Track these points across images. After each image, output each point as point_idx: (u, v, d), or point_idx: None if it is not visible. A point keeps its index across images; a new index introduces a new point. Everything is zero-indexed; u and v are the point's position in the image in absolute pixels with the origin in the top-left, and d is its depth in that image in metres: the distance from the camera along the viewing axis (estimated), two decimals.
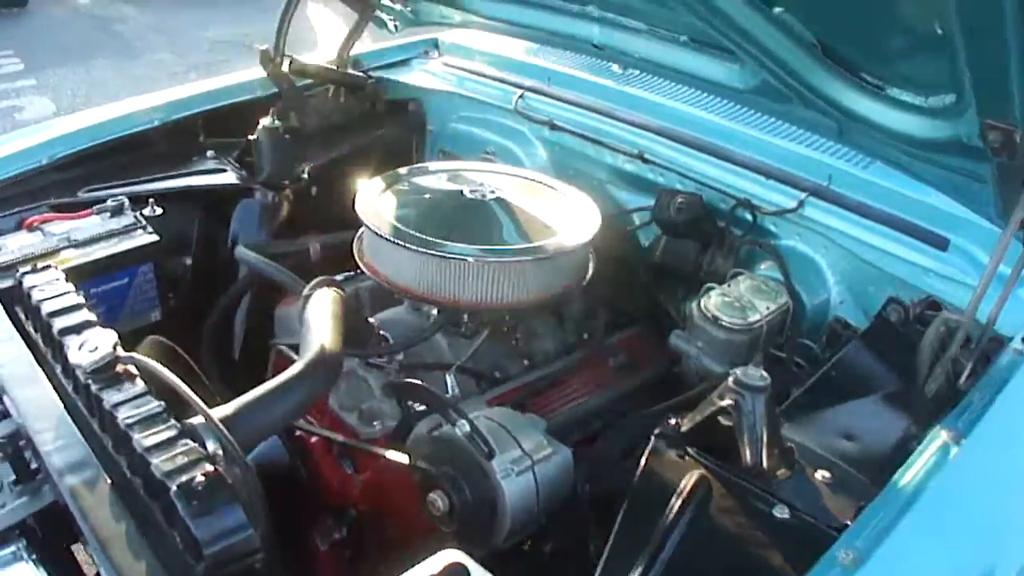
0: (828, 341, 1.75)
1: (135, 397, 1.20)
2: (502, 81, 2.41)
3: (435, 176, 1.90)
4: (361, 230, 1.80)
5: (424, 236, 1.59)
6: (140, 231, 1.89)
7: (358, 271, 1.83)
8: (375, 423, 1.59)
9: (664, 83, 2.16)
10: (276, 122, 2.19)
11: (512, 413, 1.40)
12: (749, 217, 1.87)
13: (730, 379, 1.24)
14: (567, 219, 1.74)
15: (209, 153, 2.27)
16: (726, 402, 1.24)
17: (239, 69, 2.48)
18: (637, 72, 2.19)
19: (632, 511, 1.20)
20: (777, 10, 1.29)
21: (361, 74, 2.54)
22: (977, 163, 1.29)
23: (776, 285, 1.76)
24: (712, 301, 1.67)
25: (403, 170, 1.93)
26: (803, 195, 1.80)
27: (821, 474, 1.27)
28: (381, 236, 1.62)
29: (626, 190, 2.12)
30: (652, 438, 1.30)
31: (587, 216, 1.75)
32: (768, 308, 1.69)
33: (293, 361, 1.72)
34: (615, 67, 2.26)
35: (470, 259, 1.57)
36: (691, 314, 1.69)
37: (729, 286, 1.74)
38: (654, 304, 1.93)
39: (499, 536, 1.31)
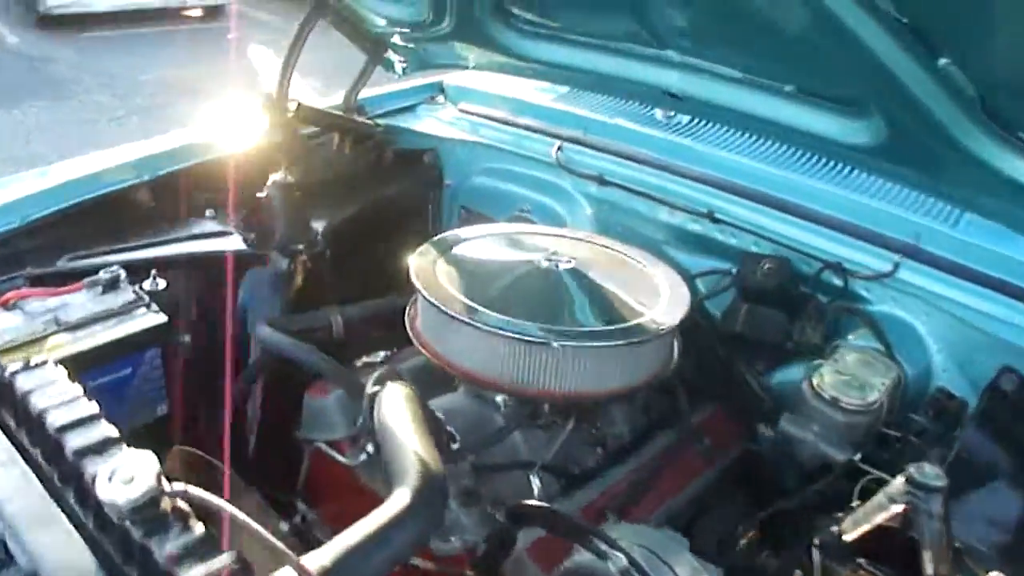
0: (935, 414, 1.59)
1: (196, 547, 0.94)
2: (532, 129, 2.19)
3: (491, 241, 1.68)
4: (413, 302, 1.57)
5: (509, 318, 1.36)
6: (143, 309, 1.61)
7: (394, 350, 1.61)
8: (452, 537, 1.34)
9: (720, 132, 1.97)
10: (289, 178, 1.93)
11: (651, 532, 1.17)
12: (837, 281, 1.70)
13: (901, 479, 1.16)
14: (650, 292, 1.53)
15: (208, 213, 1.99)
16: (898, 507, 1.16)
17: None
18: (688, 119, 2.01)
19: None
20: (943, 62, 1.13)
21: (370, 121, 2.31)
22: None
23: (881, 356, 1.59)
24: (827, 380, 1.48)
25: (450, 235, 1.69)
26: (897, 257, 1.65)
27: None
28: (454, 317, 1.38)
29: (687, 252, 1.90)
30: (814, 551, 1.20)
31: (673, 288, 1.55)
32: (883, 384, 1.51)
33: (337, 462, 1.51)
34: (658, 114, 2.08)
35: (557, 345, 1.34)
36: (801, 394, 1.50)
37: (837, 360, 1.56)
38: (734, 379, 1.73)
39: None
